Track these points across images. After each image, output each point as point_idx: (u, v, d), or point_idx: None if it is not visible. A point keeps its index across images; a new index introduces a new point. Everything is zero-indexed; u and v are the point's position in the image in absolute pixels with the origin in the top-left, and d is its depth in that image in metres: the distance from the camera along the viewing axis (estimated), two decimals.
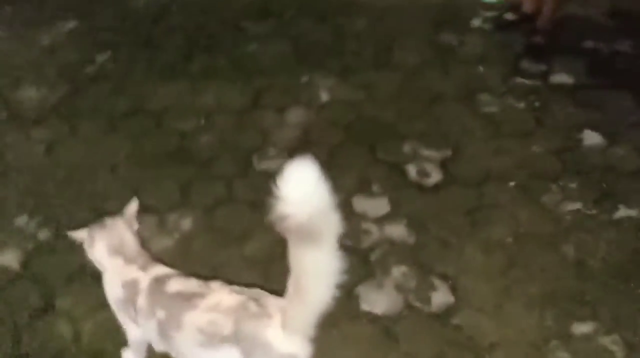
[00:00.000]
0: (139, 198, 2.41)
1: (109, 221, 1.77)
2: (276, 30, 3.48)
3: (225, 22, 3.54)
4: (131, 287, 1.67)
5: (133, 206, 1.81)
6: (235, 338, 1.50)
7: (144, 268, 1.70)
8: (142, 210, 2.38)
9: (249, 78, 3.11)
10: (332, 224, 1.36)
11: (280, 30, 3.48)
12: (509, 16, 3.44)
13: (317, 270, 1.44)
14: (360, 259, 2.24)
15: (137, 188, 2.51)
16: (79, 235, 1.78)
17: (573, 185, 2.52)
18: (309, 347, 1.51)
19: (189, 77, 3.12)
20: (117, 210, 2.33)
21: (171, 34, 3.44)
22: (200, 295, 1.57)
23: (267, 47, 3.34)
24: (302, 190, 1.27)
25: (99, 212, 2.42)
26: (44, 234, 2.38)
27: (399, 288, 2.15)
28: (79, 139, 2.80)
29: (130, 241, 1.73)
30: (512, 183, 2.53)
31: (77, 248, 2.29)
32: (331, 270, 1.43)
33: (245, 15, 3.60)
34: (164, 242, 2.30)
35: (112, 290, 1.73)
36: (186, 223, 2.38)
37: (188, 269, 2.12)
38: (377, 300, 2.11)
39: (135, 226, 1.79)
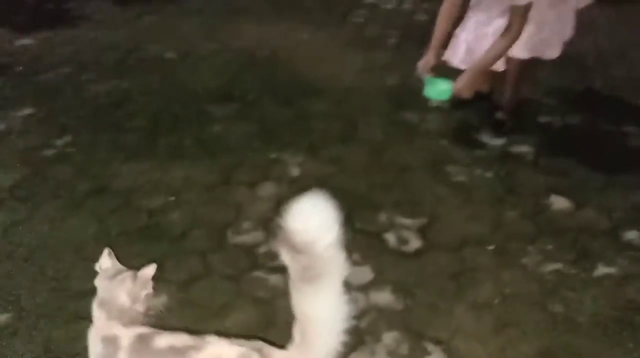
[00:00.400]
0: None
1: (123, 273, 1.62)
2: (240, 112, 3.51)
3: (188, 106, 3.55)
4: (110, 343, 1.52)
5: (150, 270, 1.64)
6: None
7: (126, 325, 1.55)
8: None
9: (217, 156, 3.08)
10: (338, 264, 1.31)
11: (244, 112, 3.51)
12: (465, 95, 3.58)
13: (322, 314, 1.37)
14: (349, 327, 2.14)
15: None
16: (104, 263, 1.66)
17: (550, 247, 2.54)
18: None
19: (154, 157, 3.06)
20: (84, 290, 2.24)
21: (133, 118, 3.40)
22: (196, 348, 1.44)
23: (232, 127, 3.34)
24: (317, 220, 1.25)
25: (63, 292, 2.27)
26: (4, 317, 2.18)
27: (392, 354, 2.05)
28: (40, 219, 2.65)
29: (120, 297, 1.57)
30: (490, 247, 2.53)
31: (41, 330, 2.14)
32: (338, 315, 1.36)
33: (208, 99, 3.63)
34: None
35: (92, 345, 1.57)
36: (161, 300, 2.24)
37: None
38: None
39: (147, 290, 1.63)
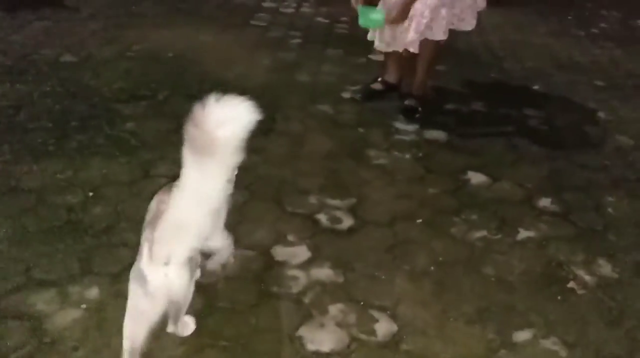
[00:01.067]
0: (30, 275, 2.14)
1: None
2: (152, 110, 3.40)
3: (95, 106, 3.39)
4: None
5: None
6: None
7: None
8: (38, 285, 2.11)
9: (133, 153, 2.96)
10: (231, 156, 1.51)
11: (156, 110, 3.40)
12: (376, 86, 3.69)
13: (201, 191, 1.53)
14: (295, 303, 2.12)
15: (27, 264, 2.20)
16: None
17: (474, 217, 2.65)
18: (161, 276, 1.62)
19: (66, 155, 2.88)
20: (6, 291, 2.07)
21: (38, 119, 3.19)
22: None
23: (146, 124, 3.23)
24: (228, 113, 1.49)
25: None
26: None
27: (341, 324, 2.05)
28: None
29: None
30: (419, 221, 2.61)
31: None
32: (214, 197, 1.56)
33: (116, 99, 3.48)
34: (71, 314, 2.00)
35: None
36: (92, 293, 2.10)
37: (104, 338, 1.90)
38: (322, 339, 1.98)
39: None
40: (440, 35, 3.15)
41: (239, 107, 1.51)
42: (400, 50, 3.25)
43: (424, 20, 3.10)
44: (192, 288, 1.77)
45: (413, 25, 3.12)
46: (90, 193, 2.62)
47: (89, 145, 3.00)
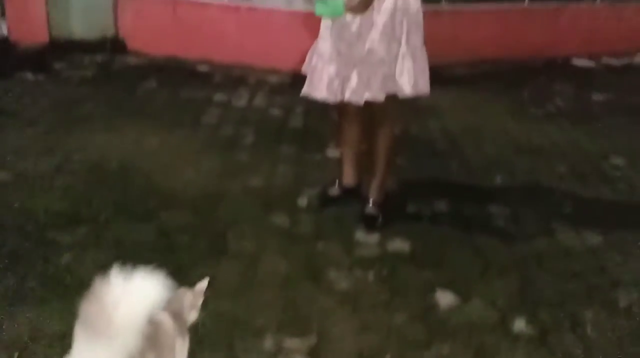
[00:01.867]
0: None
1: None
2: (91, 236, 3.12)
3: (28, 237, 3.09)
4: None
5: (204, 283, 1.98)
6: None
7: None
8: None
9: (68, 295, 2.65)
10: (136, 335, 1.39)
11: (96, 236, 3.13)
12: (333, 192, 3.51)
13: None
14: None
15: None
16: None
17: (446, 351, 2.43)
18: None
19: None
20: None
21: None
22: None
23: (83, 257, 2.95)
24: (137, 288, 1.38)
25: None
26: None
27: None
28: None
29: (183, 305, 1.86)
30: None
31: None
32: None
33: (52, 225, 3.20)
34: None
35: None
36: None
37: None
38: None
39: (199, 300, 1.94)
40: (377, 94, 2.98)
41: (145, 281, 1.44)
42: (345, 99, 3.07)
43: (365, 76, 2.98)
44: None
45: (351, 83, 3.02)
46: (16, 355, 2.32)
47: (17, 289, 2.69)
